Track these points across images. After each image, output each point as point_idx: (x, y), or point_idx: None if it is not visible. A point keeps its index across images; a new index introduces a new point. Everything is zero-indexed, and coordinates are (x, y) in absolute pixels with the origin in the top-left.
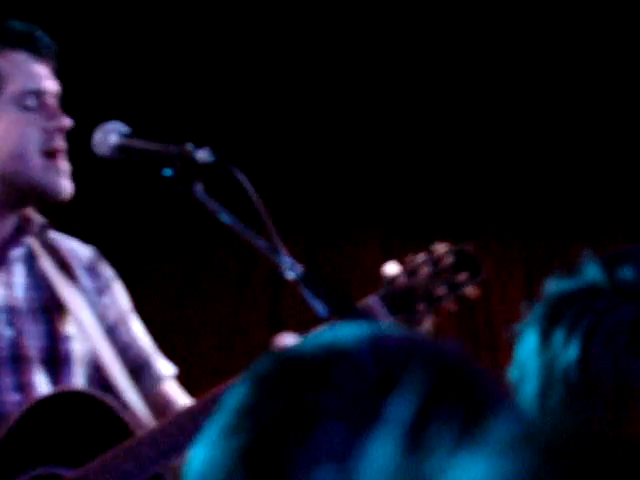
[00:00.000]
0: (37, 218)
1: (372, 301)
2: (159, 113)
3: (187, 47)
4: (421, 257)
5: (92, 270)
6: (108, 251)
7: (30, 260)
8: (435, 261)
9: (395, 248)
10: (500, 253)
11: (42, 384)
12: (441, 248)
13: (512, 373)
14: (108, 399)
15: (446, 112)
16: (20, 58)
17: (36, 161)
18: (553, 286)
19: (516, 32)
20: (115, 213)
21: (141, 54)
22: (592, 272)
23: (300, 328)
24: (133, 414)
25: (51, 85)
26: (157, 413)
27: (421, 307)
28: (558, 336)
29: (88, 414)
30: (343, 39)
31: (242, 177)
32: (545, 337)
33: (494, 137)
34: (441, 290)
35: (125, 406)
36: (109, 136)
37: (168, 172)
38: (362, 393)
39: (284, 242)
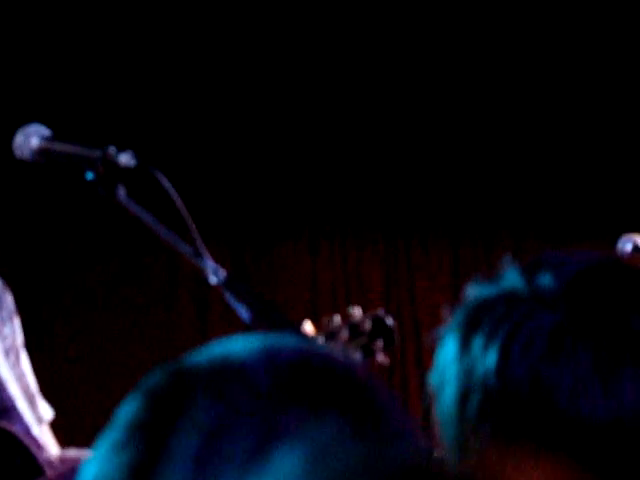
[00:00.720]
0: None
1: None
2: (80, 115)
3: (107, 49)
4: (338, 321)
5: None
6: (30, 258)
7: None
8: (353, 326)
9: (323, 251)
10: (427, 257)
11: None
12: (358, 313)
13: (432, 378)
14: (18, 432)
15: (381, 115)
16: None
17: None
18: (473, 292)
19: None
20: (36, 218)
21: (62, 56)
22: (512, 279)
23: (228, 333)
24: (40, 445)
25: None
26: None
27: None
28: (477, 342)
29: None
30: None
31: (165, 181)
32: (464, 343)
33: (426, 143)
34: (357, 355)
35: (29, 434)
36: (30, 139)
37: (90, 176)
38: (254, 408)
39: (210, 247)
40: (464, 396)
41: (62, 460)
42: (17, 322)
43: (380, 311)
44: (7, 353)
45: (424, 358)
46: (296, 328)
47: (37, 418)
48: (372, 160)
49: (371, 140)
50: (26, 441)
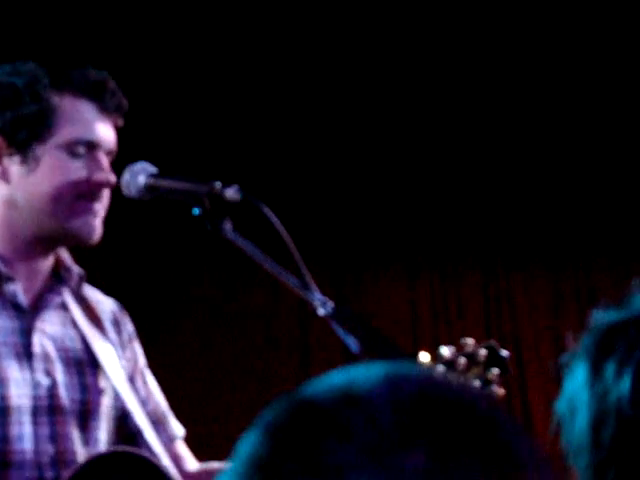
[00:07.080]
0: (75, 268)
1: None
2: (185, 152)
3: (212, 88)
4: (453, 350)
5: (116, 323)
6: (138, 291)
7: (64, 310)
8: (469, 355)
9: (422, 279)
10: (527, 282)
11: (75, 436)
12: (471, 342)
13: (560, 406)
14: (161, 464)
15: (474, 149)
16: (84, 107)
17: (68, 204)
18: (601, 317)
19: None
20: (144, 252)
21: (168, 96)
22: None
23: (329, 364)
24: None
25: (107, 141)
26: None
27: None
28: (609, 369)
29: (140, 476)
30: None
31: (270, 214)
32: (596, 370)
33: (520, 169)
34: (475, 384)
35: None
36: (137, 177)
37: (197, 211)
38: (378, 445)
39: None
40: (598, 423)
41: (205, 472)
42: (137, 345)
43: (492, 341)
44: (132, 377)
45: (527, 384)
46: (407, 358)
47: (169, 436)
48: (471, 188)
49: (469, 169)
50: (158, 464)
